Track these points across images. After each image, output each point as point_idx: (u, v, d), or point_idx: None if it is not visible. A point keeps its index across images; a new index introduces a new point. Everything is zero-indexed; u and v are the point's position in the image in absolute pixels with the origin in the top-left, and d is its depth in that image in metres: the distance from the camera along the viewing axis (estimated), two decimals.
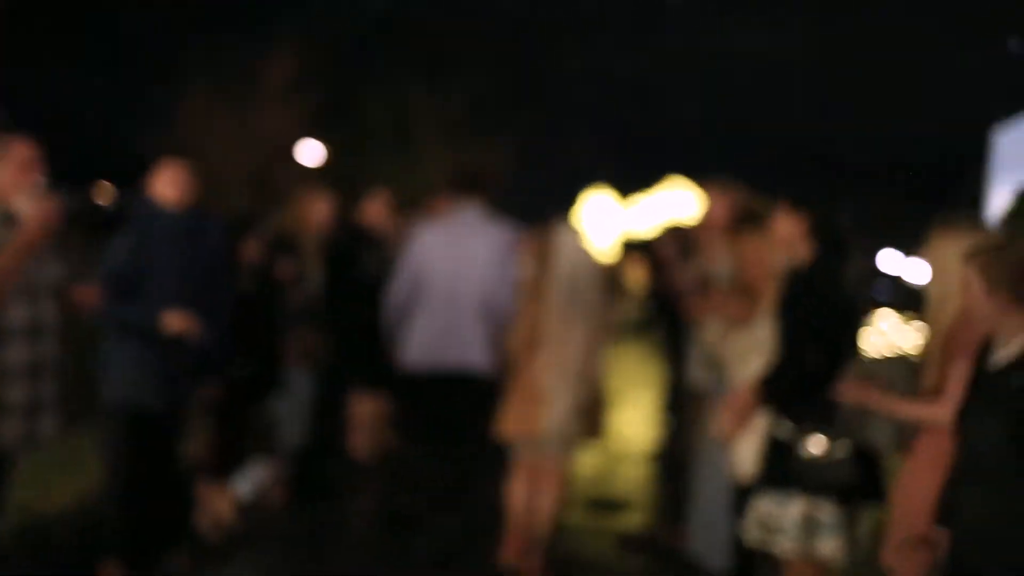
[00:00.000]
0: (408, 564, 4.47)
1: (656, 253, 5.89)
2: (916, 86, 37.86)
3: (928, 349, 2.93)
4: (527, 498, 4.38)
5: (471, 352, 4.52)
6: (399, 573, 4.42)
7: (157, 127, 11.90)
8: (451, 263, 4.54)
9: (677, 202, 27.66)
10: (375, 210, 5.97)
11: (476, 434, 4.47)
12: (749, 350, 3.61)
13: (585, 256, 4.42)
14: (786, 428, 3.05)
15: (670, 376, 7.73)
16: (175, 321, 3.72)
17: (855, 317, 3.28)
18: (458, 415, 4.56)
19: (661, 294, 7.22)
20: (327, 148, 12.67)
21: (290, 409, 5.09)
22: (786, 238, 3.32)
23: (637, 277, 7.02)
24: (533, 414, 4.24)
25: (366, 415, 5.96)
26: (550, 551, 4.45)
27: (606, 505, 5.73)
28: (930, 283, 3.02)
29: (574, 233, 4.46)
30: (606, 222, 27.15)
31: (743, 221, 4.23)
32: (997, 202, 19.57)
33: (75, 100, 20.59)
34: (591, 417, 4.43)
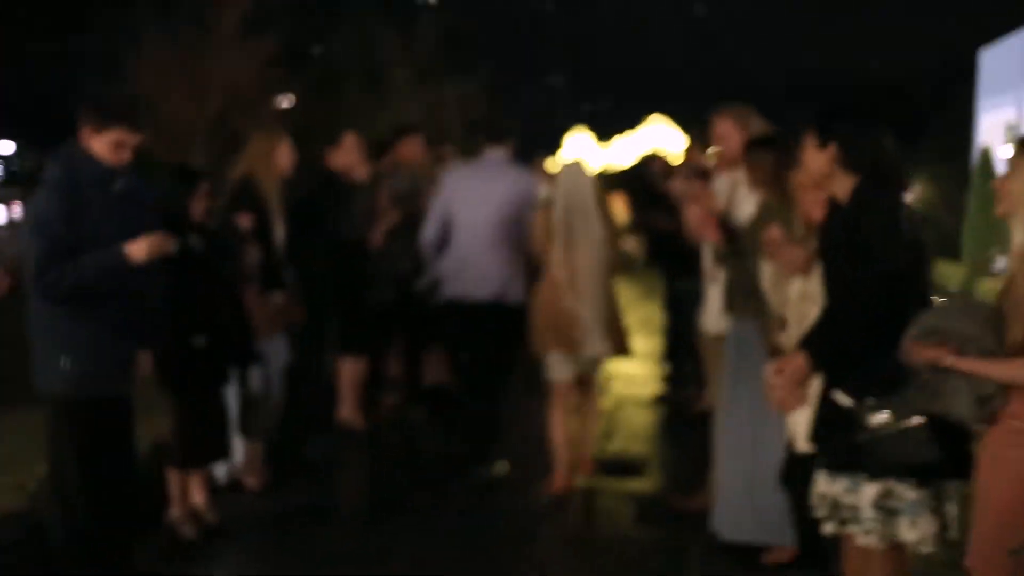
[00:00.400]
0: (397, 544, 4.19)
1: (669, 192, 5.95)
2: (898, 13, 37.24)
3: (1012, 296, 2.44)
4: (567, 427, 4.75)
5: (496, 283, 4.96)
6: (388, 558, 4.00)
7: (112, 81, 11.23)
8: (477, 203, 4.96)
9: (659, 139, 27.80)
10: (343, 156, 5.52)
11: (508, 359, 5.10)
12: (809, 301, 3.12)
13: (587, 183, 4.69)
14: (845, 396, 2.57)
15: (670, 321, 7.60)
16: (141, 248, 3.26)
17: (916, 259, 2.64)
18: (489, 342, 5.02)
19: (655, 231, 6.97)
20: (293, 93, 11.91)
21: (264, 381, 4.60)
22: (818, 171, 2.77)
23: (618, 212, 6.62)
24: (566, 333, 4.57)
25: (352, 380, 5.67)
26: (563, 524, 4.51)
27: (619, 468, 5.31)
28: (1011, 217, 2.53)
29: (577, 164, 4.79)
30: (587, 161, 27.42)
31: (765, 148, 3.88)
32: (985, 125, 19.26)
33: (22, 56, 19.55)
34: (616, 334, 4.74)
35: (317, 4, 15.44)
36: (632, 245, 6.50)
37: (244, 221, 4.46)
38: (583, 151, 28.54)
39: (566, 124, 29.01)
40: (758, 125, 4.91)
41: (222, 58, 11.26)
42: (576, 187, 4.68)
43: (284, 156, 4.87)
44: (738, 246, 4.00)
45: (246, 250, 4.48)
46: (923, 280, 2.67)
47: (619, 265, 5.05)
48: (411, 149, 6.30)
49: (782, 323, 3.39)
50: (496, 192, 5.02)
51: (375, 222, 5.70)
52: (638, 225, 6.70)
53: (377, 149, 6.36)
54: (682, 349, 6.90)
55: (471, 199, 5.00)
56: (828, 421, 2.61)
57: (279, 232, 4.81)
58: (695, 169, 5.85)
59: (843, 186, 2.71)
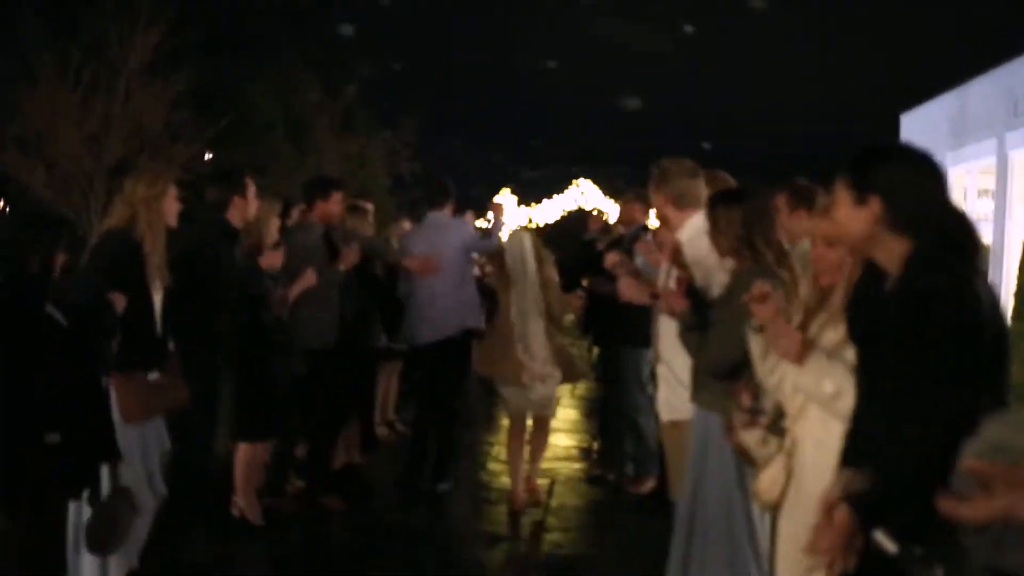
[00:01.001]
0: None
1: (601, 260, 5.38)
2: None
3: None
4: (524, 449, 5.82)
5: (457, 318, 5.85)
6: None
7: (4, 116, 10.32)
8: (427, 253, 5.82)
9: (586, 201, 27.82)
10: (243, 206, 4.96)
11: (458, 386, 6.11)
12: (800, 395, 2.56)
13: (528, 245, 5.78)
14: (887, 540, 1.94)
15: (606, 393, 6.98)
16: None
17: (998, 355, 1.99)
18: (445, 375, 5.88)
19: (590, 294, 6.55)
20: (204, 139, 11.05)
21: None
22: (857, 234, 2.11)
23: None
24: (518, 366, 5.58)
25: (248, 466, 5.01)
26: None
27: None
28: None
29: (520, 230, 6.11)
30: (510, 220, 27.57)
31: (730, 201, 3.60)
32: None
33: None
34: (565, 363, 5.79)
35: (233, 43, 14.62)
36: (563, 307, 6.28)
37: (119, 301, 3.76)
38: (508, 211, 28.59)
39: (491, 182, 29.04)
40: (721, 181, 4.57)
41: (127, 98, 10.38)
42: (519, 248, 5.78)
43: (171, 204, 4.25)
44: (708, 318, 3.46)
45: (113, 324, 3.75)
46: (1003, 384, 2.01)
47: (558, 308, 5.83)
48: (334, 207, 5.82)
49: (778, 416, 2.80)
50: (445, 244, 5.84)
51: (287, 280, 5.16)
52: (568, 287, 6.36)
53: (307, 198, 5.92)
54: (617, 425, 6.48)
55: (424, 248, 5.86)
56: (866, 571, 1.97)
57: (158, 295, 4.11)
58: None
59: (891, 251, 2.07)
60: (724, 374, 3.39)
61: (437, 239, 5.87)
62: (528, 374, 5.57)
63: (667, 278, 4.08)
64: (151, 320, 4.09)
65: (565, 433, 7.99)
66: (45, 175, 9.80)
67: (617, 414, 6.44)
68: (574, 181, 28.83)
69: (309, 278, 5.28)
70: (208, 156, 13.94)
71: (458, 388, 6.15)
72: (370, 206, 6.82)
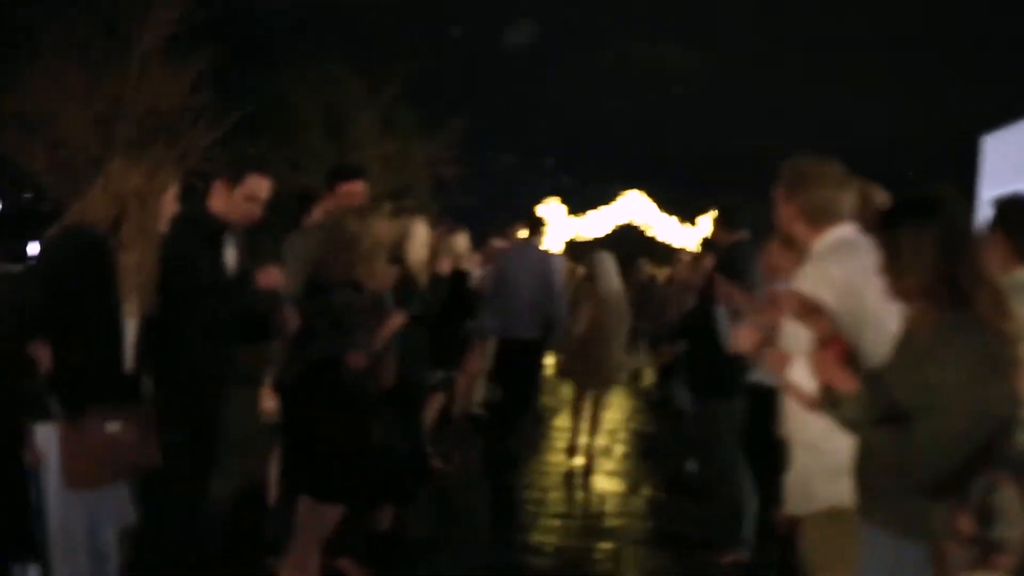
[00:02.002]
0: None
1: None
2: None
3: None
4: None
5: (530, 328, 7.56)
6: None
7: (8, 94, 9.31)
8: (521, 274, 7.61)
9: (635, 213, 26.60)
10: (218, 197, 4.09)
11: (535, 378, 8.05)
12: None
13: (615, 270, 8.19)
14: None
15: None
16: None
17: None
18: (524, 367, 7.72)
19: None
20: (228, 126, 9.90)
21: None
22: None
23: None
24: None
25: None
26: None
27: None
28: None
29: (608, 255, 8.21)
30: (557, 231, 26.65)
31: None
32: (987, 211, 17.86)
33: None
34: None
35: (265, 29, 13.60)
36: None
37: (43, 356, 2.96)
38: (555, 221, 27.62)
39: (537, 192, 28.03)
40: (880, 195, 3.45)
41: (141, 78, 9.28)
42: (608, 269, 8.01)
43: (169, 206, 3.49)
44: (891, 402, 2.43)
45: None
46: None
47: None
48: (357, 191, 5.11)
49: None
50: (534, 267, 7.60)
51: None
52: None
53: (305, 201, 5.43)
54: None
55: (521, 271, 7.59)
56: None
57: (132, 320, 3.30)
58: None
59: None
60: (940, 486, 2.28)
61: (537, 266, 7.65)
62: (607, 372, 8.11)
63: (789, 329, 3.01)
64: (116, 351, 3.24)
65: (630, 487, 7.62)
66: (46, 159, 8.79)
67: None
68: (623, 192, 27.59)
69: (397, 320, 4.88)
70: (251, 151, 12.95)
71: (536, 381, 8.22)
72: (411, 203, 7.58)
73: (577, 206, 27.81)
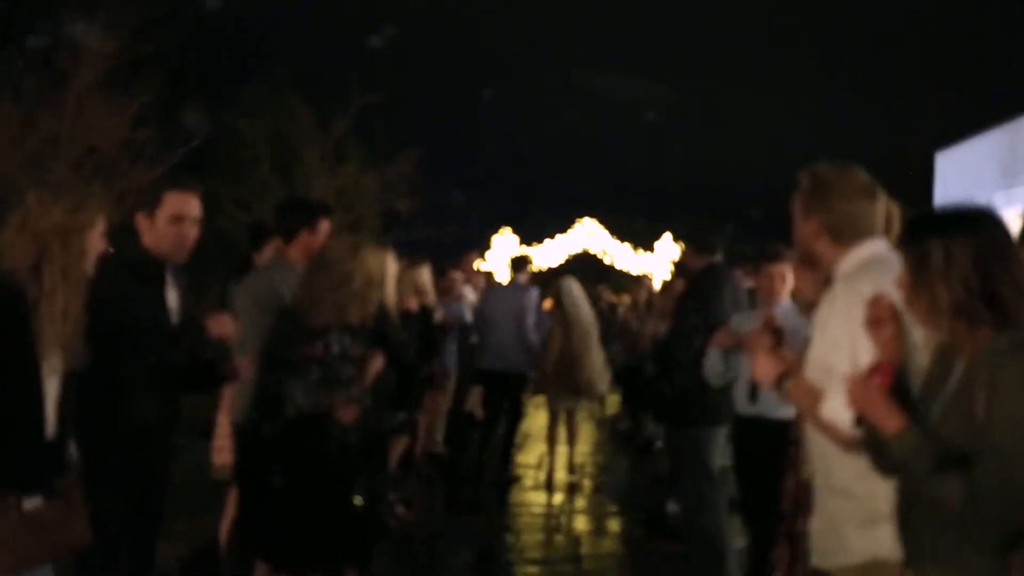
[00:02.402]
0: None
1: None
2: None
3: None
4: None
5: (512, 360, 8.52)
6: None
7: None
8: (502, 310, 8.58)
9: (590, 242, 26.39)
10: (144, 231, 3.72)
11: (517, 401, 8.81)
12: None
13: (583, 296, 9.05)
14: None
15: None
16: None
17: None
18: (507, 393, 8.72)
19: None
20: (171, 158, 9.44)
21: None
22: None
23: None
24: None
25: None
26: None
27: None
28: None
29: (573, 282, 9.07)
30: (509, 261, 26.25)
31: None
32: None
33: None
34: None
35: (212, 64, 13.16)
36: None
37: None
38: (508, 251, 27.33)
39: (489, 222, 27.72)
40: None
41: (79, 115, 8.81)
42: (574, 294, 8.81)
43: (96, 244, 3.09)
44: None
45: None
46: None
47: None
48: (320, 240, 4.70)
49: None
50: (521, 302, 8.58)
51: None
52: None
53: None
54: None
55: (500, 306, 8.60)
56: None
57: (53, 377, 2.92)
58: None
59: None
60: (1007, 539, 2.03)
61: (516, 298, 8.63)
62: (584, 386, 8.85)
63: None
64: (35, 415, 2.84)
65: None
66: None
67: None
68: (578, 220, 27.38)
69: (378, 363, 4.61)
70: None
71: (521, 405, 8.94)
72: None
73: (531, 235, 27.56)
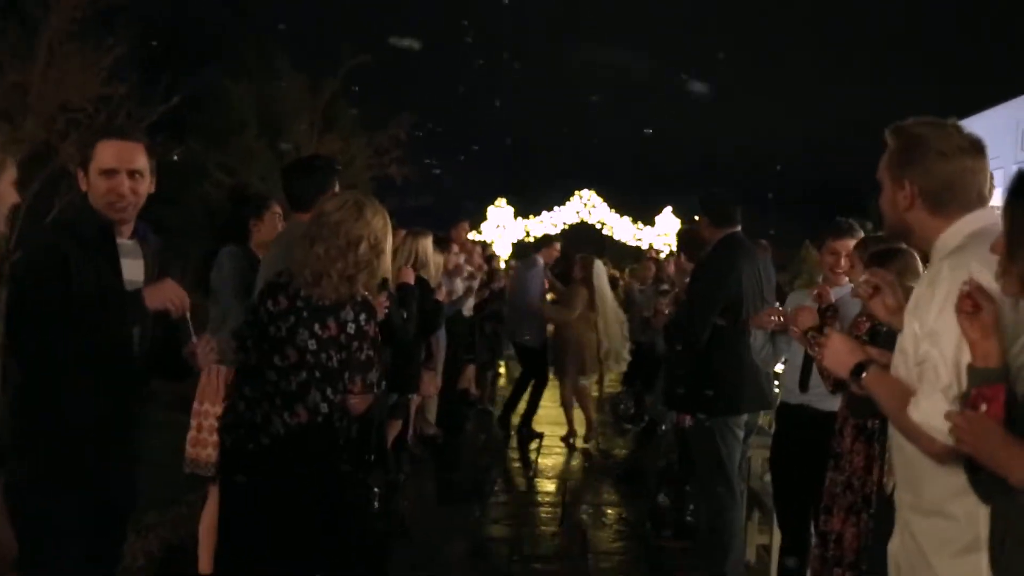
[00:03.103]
0: None
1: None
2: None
3: None
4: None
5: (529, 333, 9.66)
6: None
7: None
8: (522, 285, 9.90)
9: (587, 213, 25.96)
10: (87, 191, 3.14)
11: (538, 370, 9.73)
12: None
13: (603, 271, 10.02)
14: None
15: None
16: None
17: None
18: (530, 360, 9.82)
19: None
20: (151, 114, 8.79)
21: None
22: None
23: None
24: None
25: None
26: None
27: None
28: None
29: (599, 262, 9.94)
30: (506, 232, 25.97)
31: None
32: None
33: None
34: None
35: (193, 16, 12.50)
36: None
37: None
38: (503, 222, 26.91)
39: (485, 193, 27.26)
40: None
41: (49, 67, 8.17)
42: (600, 272, 9.71)
43: (6, 193, 2.61)
44: None
45: None
46: None
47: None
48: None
49: None
50: (531, 283, 9.78)
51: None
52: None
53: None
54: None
55: (523, 284, 9.84)
56: None
57: None
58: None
59: None
60: None
61: (530, 275, 9.76)
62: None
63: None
64: None
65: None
66: None
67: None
68: (577, 192, 26.83)
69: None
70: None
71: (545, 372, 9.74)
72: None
73: (527, 206, 27.07)
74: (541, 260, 9.73)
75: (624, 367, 10.69)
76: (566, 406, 9.54)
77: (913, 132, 2.40)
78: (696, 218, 5.50)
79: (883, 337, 3.23)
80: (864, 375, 2.37)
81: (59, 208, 5.17)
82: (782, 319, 4.57)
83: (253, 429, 3.34)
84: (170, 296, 3.02)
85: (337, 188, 4.17)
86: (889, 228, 2.55)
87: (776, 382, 5.55)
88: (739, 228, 5.35)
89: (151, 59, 9.58)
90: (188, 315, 3.08)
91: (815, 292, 4.34)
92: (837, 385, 3.62)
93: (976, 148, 2.36)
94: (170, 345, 3.19)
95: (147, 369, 3.22)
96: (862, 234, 4.67)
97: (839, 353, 2.47)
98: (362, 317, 3.37)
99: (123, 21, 8.44)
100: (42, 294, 2.86)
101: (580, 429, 9.56)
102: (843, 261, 4.62)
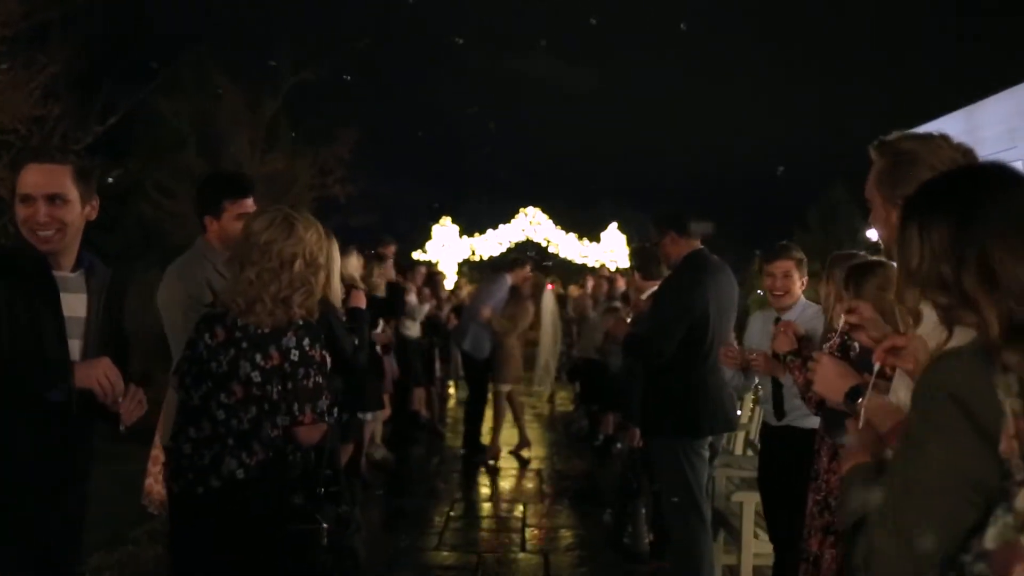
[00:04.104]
0: None
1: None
2: None
3: None
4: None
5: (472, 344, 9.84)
6: None
7: None
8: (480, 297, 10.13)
9: (534, 231, 25.89)
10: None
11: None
12: None
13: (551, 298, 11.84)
14: None
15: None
16: None
17: None
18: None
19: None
20: (86, 136, 8.47)
21: None
22: None
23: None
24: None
25: None
26: None
27: None
28: None
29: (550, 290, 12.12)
30: (451, 251, 25.78)
31: None
32: None
33: None
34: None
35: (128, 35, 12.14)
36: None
37: None
38: (448, 241, 26.70)
39: (429, 210, 27.05)
40: None
41: None
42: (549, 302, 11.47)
43: None
44: None
45: None
46: None
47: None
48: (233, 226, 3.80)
49: None
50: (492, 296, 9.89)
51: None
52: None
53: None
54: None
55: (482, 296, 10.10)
56: None
57: None
58: None
59: None
60: None
61: (491, 290, 9.96)
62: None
63: None
64: None
65: None
66: None
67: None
68: (522, 210, 26.75)
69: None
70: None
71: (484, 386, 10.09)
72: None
73: (472, 224, 26.91)
74: (509, 279, 9.85)
75: (550, 381, 11.98)
76: (498, 415, 9.87)
77: (902, 148, 2.32)
78: (659, 231, 5.40)
79: (855, 351, 3.19)
80: (861, 400, 2.28)
81: None
82: (741, 358, 4.63)
83: (201, 473, 3.11)
84: (101, 379, 2.79)
85: (248, 207, 3.90)
86: (887, 247, 2.48)
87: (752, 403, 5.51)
88: (698, 243, 5.29)
89: (86, 78, 9.22)
90: (120, 399, 2.86)
91: (782, 329, 4.23)
92: (820, 405, 3.55)
93: (968, 158, 2.31)
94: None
95: (88, 419, 2.98)
96: (796, 254, 4.70)
97: (830, 378, 2.39)
98: (305, 342, 3.15)
99: (56, 39, 8.16)
100: None
101: (513, 440, 9.97)
102: (780, 283, 4.66)
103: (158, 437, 4.23)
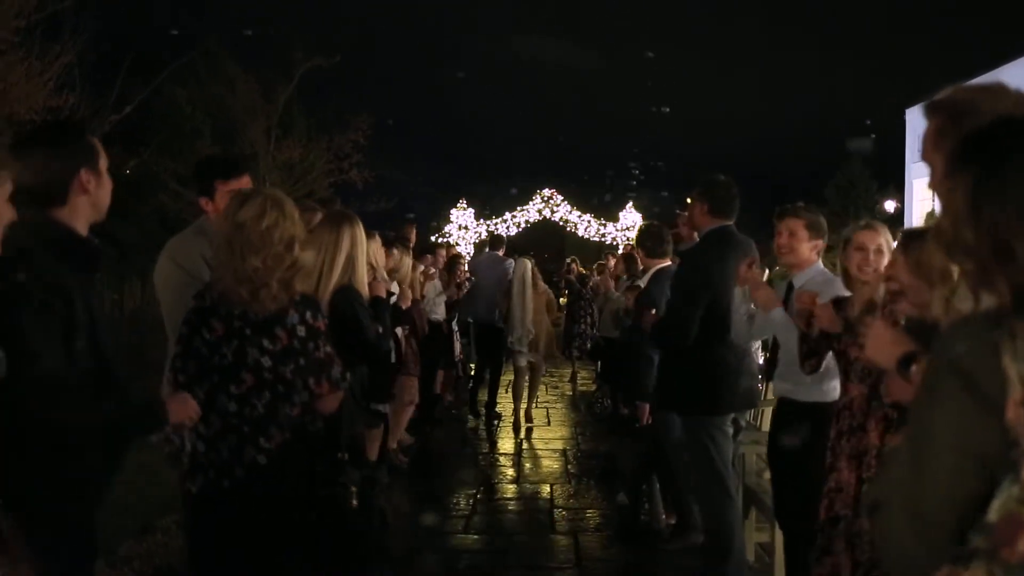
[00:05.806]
0: None
1: None
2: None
3: None
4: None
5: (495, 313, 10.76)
6: None
7: None
8: (486, 274, 11.19)
9: (550, 211, 25.81)
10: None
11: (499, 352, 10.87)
12: None
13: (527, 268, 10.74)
14: None
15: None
16: None
17: None
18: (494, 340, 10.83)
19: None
20: (101, 125, 8.46)
21: None
22: None
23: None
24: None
25: None
26: None
27: None
28: None
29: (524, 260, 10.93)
30: (468, 233, 25.78)
31: None
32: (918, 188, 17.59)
33: None
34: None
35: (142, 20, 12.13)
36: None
37: None
38: (466, 223, 26.70)
39: (446, 196, 27.05)
40: None
41: None
42: (524, 270, 10.59)
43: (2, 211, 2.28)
44: None
45: None
46: None
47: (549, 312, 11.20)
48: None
49: None
50: (499, 271, 11.05)
51: None
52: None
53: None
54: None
55: (486, 271, 11.22)
56: None
57: None
58: None
59: None
60: None
61: (496, 268, 11.10)
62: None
63: None
64: None
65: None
66: None
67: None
68: (538, 192, 26.65)
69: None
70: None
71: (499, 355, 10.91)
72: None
73: (490, 207, 26.86)
74: (512, 264, 10.93)
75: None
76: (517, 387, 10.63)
77: (957, 99, 2.14)
78: (689, 201, 5.29)
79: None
80: (914, 367, 2.20)
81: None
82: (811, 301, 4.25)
83: (224, 466, 3.09)
84: (192, 415, 2.89)
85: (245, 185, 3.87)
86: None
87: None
88: (733, 222, 5.19)
89: (100, 68, 9.19)
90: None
91: (807, 303, 4.01)
92: (812, 364, 3.54)
93: None
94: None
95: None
96: (807, 215, 4.60)
97: (883, 344, 2.32)
98: (308, 315, 3.14)
99: (70, 30, 8.13)
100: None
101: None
102: (784, 239, 4.58)
103: None
